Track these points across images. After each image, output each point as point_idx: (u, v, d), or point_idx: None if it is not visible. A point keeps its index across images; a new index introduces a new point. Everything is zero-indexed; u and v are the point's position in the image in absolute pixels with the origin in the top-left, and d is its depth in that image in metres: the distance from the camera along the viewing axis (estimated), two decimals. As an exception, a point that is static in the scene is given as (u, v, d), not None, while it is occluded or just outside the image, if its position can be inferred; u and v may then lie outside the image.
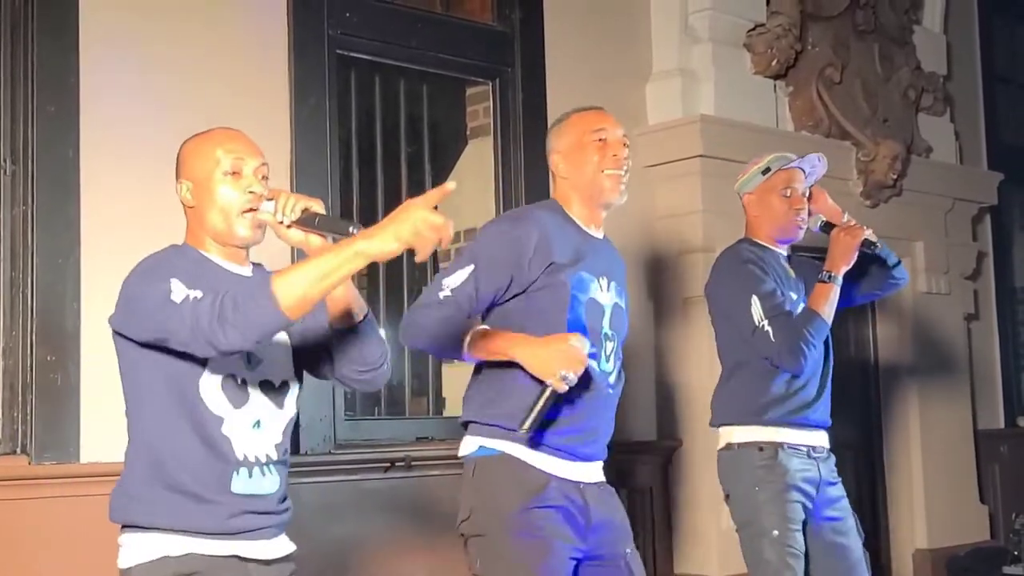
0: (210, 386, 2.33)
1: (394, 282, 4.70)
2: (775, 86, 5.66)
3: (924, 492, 6.11)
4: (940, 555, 6.05)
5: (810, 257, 3.91)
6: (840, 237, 3.61)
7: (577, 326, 2.86)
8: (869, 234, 3.63)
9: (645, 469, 5.07)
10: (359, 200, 4.64)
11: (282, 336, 2.45)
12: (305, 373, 2.53)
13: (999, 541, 6.37)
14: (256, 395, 2.39)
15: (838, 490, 3.67)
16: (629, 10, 5.37)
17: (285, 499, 2.46)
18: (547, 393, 2.69)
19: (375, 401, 4.66)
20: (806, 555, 3.63)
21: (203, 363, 2.31)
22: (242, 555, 2.34)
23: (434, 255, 4.87)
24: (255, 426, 2.37)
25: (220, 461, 2.32)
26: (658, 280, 5.21)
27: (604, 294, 2.95)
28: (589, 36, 5.19)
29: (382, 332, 2.52)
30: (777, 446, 3.57)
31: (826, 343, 3.65)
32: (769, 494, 3.54)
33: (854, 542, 3.65)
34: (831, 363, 3.69)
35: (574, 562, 2.89)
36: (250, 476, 2.35)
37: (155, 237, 3.49)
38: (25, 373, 3.59)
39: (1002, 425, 6.98)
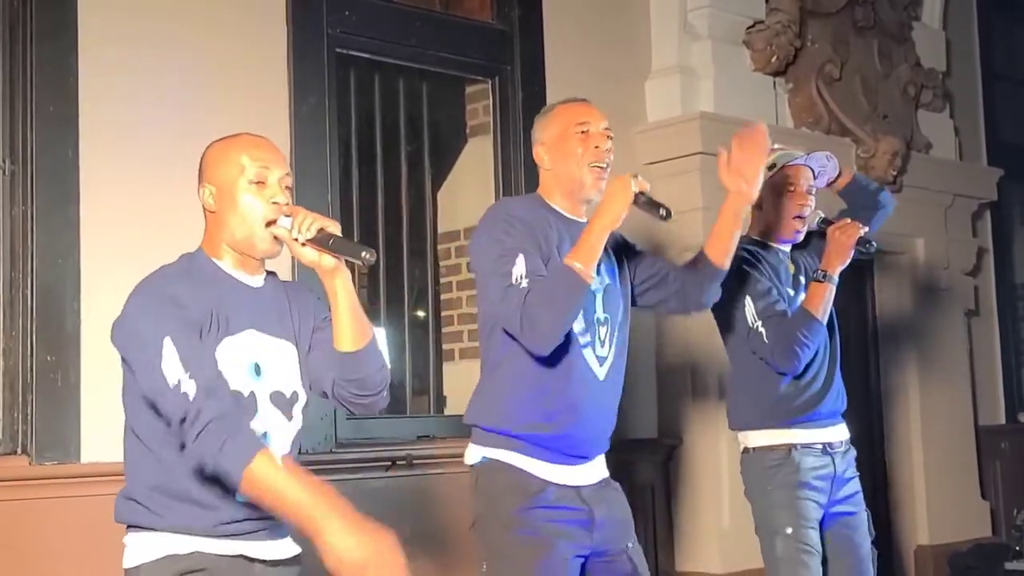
0: None
1: (394, 280, 4.70)
2: (775, 83, 5.66)
3: (925, 488, 6.11)
4: (942, 551, 6.05)
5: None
6: (835, 236, 3.60)
7: None
8: (864, 232, 3.62)
9: (646, 467, 5.06)
10: (359, 198, 4.64)
11: (290, 347, 2.44)
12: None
13: (1001, 537, 6.37)
14: (266, 407, 2.37)
15: (854, 485, 3.67)
16: (628, 8, 5.36)
17: None
18: None
19: (376, 400, 4.65)
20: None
21: None
22: (248, 555, 2.34)
23: (435, 266, 4.88)
24: (264, 438, 2.35)
25: None
26: (658, 278, 5.21)
27: (594, 278, 2.92)
28: (589, 34, 5.19)
29: (384, 351, 2.51)
30: (790, 447, 3.57)
31: (831, 328, 3.64)
32: (782, 492, 3.54)
33: (863, 539, 3.65)
34: (838, 349, 3.68)
35: (580, 560, 2.90)
36: None
37: (155, 237, 3.52)
38: (25, 373, 3.59)
39: (1003, 421, 6.98)
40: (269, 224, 2.35)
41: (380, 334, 2.93)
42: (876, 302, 6.16)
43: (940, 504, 6.15)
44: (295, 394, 2.44)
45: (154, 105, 3.88)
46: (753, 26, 5.54)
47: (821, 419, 3.62)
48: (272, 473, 2.14)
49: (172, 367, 2.18)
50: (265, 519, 2.36)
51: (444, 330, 4.85)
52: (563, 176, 2.99)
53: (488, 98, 4.95)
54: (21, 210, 3.64)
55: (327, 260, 2.34)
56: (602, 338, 2.96)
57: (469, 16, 4.92)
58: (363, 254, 2.30)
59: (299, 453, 2.49)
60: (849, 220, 3.68)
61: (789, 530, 3.51)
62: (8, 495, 3.48)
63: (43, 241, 3.62)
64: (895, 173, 5.93)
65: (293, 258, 2.41)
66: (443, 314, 4.85)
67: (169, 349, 2.19)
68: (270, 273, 2.51)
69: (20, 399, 3.59)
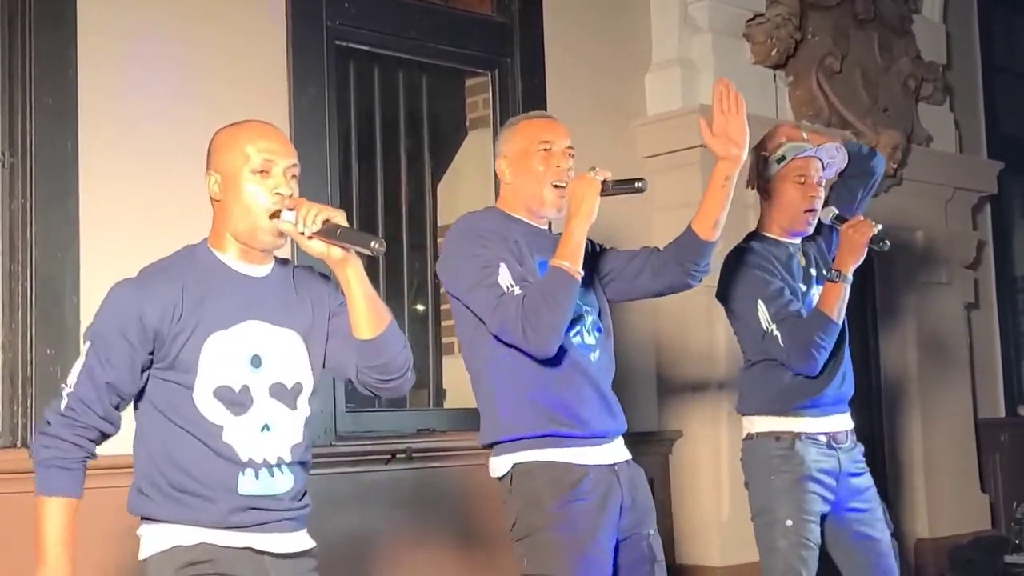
0: (204, 398, 2.32)
1: (394, 274, 4.70)
2: (775, 76, 5.65)
3: (925, 482, 6.11)
4: (942, 544, 6.05)
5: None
6: (849, 234, 3.56)
7: None
8: (878, 229, 3.59)
9: (646, 459, 5.02)
10: (358, 191, 4.64)
11: (295, 336, 2.43)
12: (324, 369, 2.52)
13: (1000, 530, 6.37)
14: (263, 399, 2.36)
15: (864, 480, 3.65)
16: (628, 1, 5.36)
17: (303, 496, 2.44)
18: None
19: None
20: (831, 547, 3.62)
21: (192, 378, 2.31)
22: (256, 547, 2.33)
23: (435, 259, 4.87)
24: (263, 430, 2.35)
25: (226, 464, 2.31)
26: (658, 271, 5.21)
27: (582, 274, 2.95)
28: (589, 26, 5.18)
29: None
30: (795, 436, 3.56)
31: None
32: (784, 484, 3.53)
33: (881, 533, 3.63)
34: (846, 336, 3.68)
35: (613, 551, 2.93)
36: (257, 477, 2.33)
37: (154, 230, 3.52)
38: (25, 367, 3.59)
39: (1003, 414, 6.98)
40: (273, 216, 2.34)
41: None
42: (876, 295, 6.16)
43: (940, 497, 6.15)
44: (298, 384, 2.42)
45: (153, 97, 3.87)
46: (753, 19, 5.53)
47: (827, 405, 3.61)
48: (47, 514, 2.43)
49: (75, 371, 2.36)
50: (273, 511, 2.35)
51: (444, 323, 4.85)
52: (523, 192, 3.02)
53: (488, 91, 4.94)
54: (20, 203, 3.63)
55: (336, 251, 2.32)
56: (588, 328, 3.01)
57: (469, 9, 4.91)
58: (372, 244, 2.28)
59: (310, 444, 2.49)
60: (862, 217, 3.64)
61: (789, 522, 3.50)
62: (8, 488, 3.48)
63: (42, 234, 3.62)
64: (895, 166, 5.93)
65: (293, 244, 2.41)
66: (442, 307, 4.84)
67: (85, 359, 2.34)
68: (280, 260, 2.50)
69: (20, 392, 3.59)
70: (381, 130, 4.77)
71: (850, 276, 3.55)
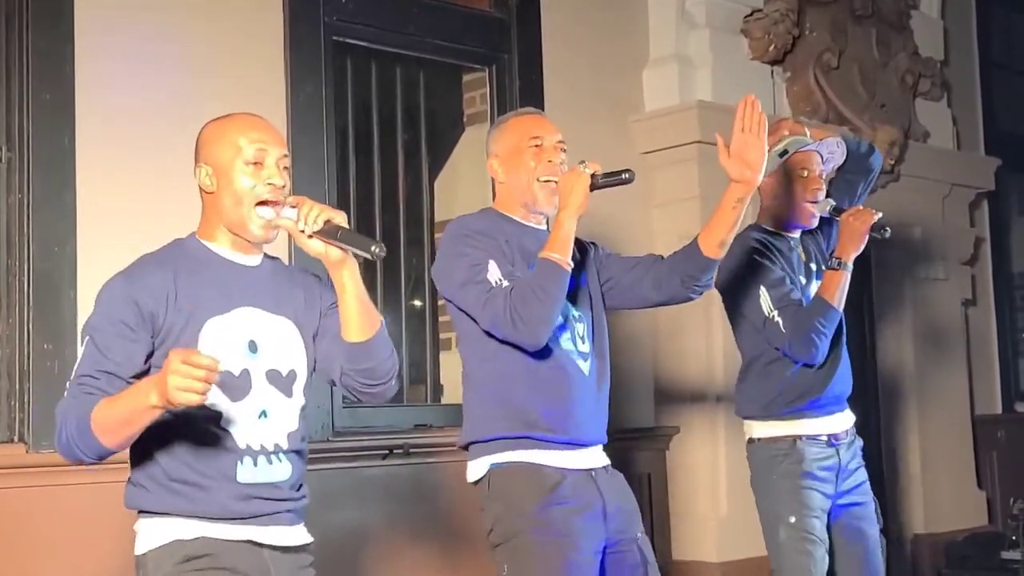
0: None
1: (391, 270, 4.70)
2: (772, 72, 5.65)
3: (922, 478, 6.12)
4: (938, 540, 6.06)
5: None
6: (849, 222, 3.57)
7: None
8: (878, 217, 3.60)
9: (643, 455, 5.07)
10: (356, 187, 4.63)
11: (289, 324, 2.44)
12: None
13: (997, 526, 6.37)
14: (261, 385, 2.37)
15: (861, 475, 3.66)
16: (626, -4, 5.36)
17: (301, 487, 2.44)
18: None
19: (373, 389, 4.65)
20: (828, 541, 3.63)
21: None
22: (256, 540, 2.33)
23: (432, 255, 4.87)
24: (261, 416, 2.36)
25: (222, 452, 2.31)
26: (656, 267, 5.21)
27: (571, 266, 2.93)
28: (586, 22, 5.18)
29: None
30: (795, 438, 3.57)
31: None
32: (786, 482, 3.54)
33: (871, 528, 3.65)
34: (843, 332, 3.68)
35: (599, 555, 2.91)
36: (255, 465, 2.33)
37: (151, 225, 3.51)
38: (22, 361, 3.59)
39: (1000, 411, 6.98)
40: (260, 204, 2.35)
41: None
42: (874, 291, 6.16)
43: (937, 493, 6.16)
44: (292, 372, 2.43)
45: (151, 93, 3.87)
46: (751, 15, 5.53)
47: (826, 405, 3.61)
48: (104, 409, 2.20)
49: (76, 366, 2.31)
50: (273, 500, 2.36)
51: (441, 319, 4.85)
52: (516, 189, 3.02)
53: (485, 86, 4.94)
54: (17, 198, 3.64)
55: (334, 252, 2.33)
56: (580, 335, 2.99)
57: (466, 4, 4.90)
58: (372, 248, 2.28)
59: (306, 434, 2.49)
60: (862, 206, 3.66)
61: (792, 519, 3.52)
62: (5, 483, 3.48)
63: (39, 229, 3.62)
64: (893, 162, 5.93)
65: (290, 243, 2.41)
66: (439, 303, 4.84)
67: (84, 350, 2.31)
68: (269, 255, 2.51)
69: (17, 387, 3.60)
70: (378, 126, 4.77)
71: (851, 264, 3.56)
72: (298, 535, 2.43)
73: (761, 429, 3.63)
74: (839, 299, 3.53)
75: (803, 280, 3.64)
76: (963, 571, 5.83)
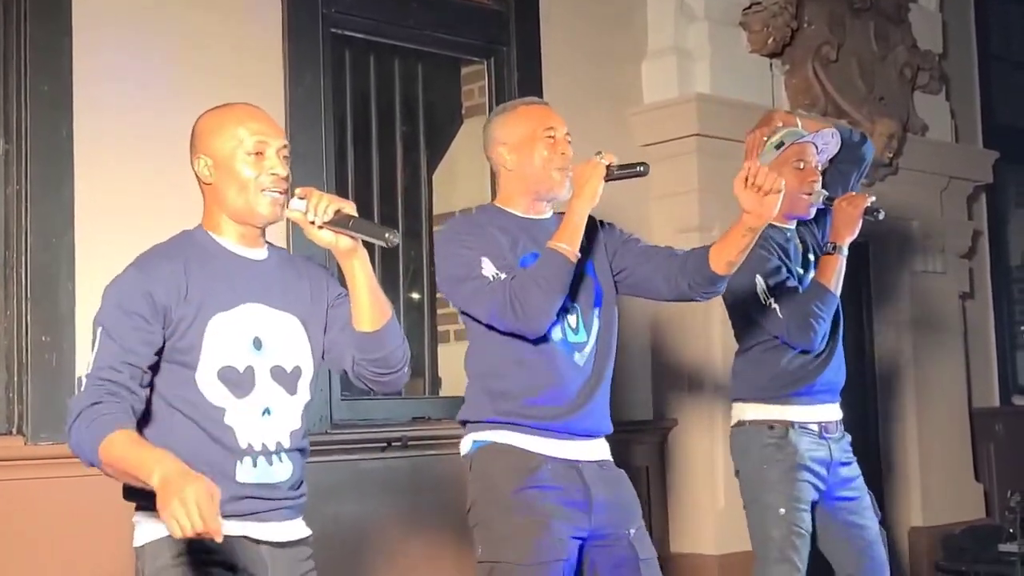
0: (207, 379, 2.31)
1: (389, 262, 4.70)
2: (771, 64, 5.65)
3: (919, 470, 6.12)
4: (935, 533, 6.07)
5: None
6: (842, 207, 3.60)
7: None
8: (871, 201, 3.62)
9: (641, 448, 5.07)
10: (354, 179, 4.63)
11: (294, 321, 2.43)
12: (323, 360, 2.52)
13: (994, 519, 6.38)
14: (265, 382, 2.36)
15: (852, 470, 3.67)
16: (625, -12, 5.35)
17: (300, 485, 2.44)
18: None
19: (371, 381, 4.66)
20: (820, 535, 3.64)
21: (195, 359, 2.30)
22: (251, 536, 2.33)
23: (431, 248, 4.87)
24: (264, 414, 2.35)
25: (223, 451, 2.31)
26: (654, 259, 5.21)
27: (578, 256, 2.94)
28: (585, 15, 5.17)
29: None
30: (788, 425, 3.57)
31: None
32: (777, 473, 3.54)
33: (870, 521, 3.66)
34: (841, 323, 3.69)
35: (578, 542, 2.91)
36: (255, 465, 2.33)
37: (149, 217, 3.51)
38: (20, 354, 3.59)
39: (997, 403, 6.99)
40: (265, 190, 2.35)
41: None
42: (871, 284, 6.17)
43: (934, 486, 6.17)
44: (297, 368, 2.42)
45: (149, 85, 3.87)
46: (750, 7, 5.53)
47: (819, 393, 3.62)
48: (117, 446, 2.14)
49: (91, 359, 2.27)
50: (270, 499, 2.35)
51: (439, 312, 4.85)
52: (529, 176, 3.02)
53: (484, 79, 4.93)
54: (15, 190, 3.63)
55: (344, 242, 2.33)
56: (572, 326, 2.99)
57: (465, -3, 4.90)
58: (386, 235, 2.28)
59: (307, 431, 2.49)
60: (854, 192, 3.68)
61: (782, 511, 3.52)
62: (3, 475, 3.48)
63: (37, 221, 3.62)
64: (891, 155, 5.93)
65: (289, 234, 2.41)
66: (438, 296, 4.84)
67: (100, 342, 2.27)
68: (274, 246, 2.50)
69: (15, 379, 3.60)
70: (377, 118, 4.76)
71: (846, 248, 3.57)
72: (296, 529, 2.43)
73: (752, 411, 3.63)
74: (835, 283, 3.54)
75: (800, 270, 3.65)
76: (960, 563, 5.84)
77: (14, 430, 3.58)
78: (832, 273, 3.54)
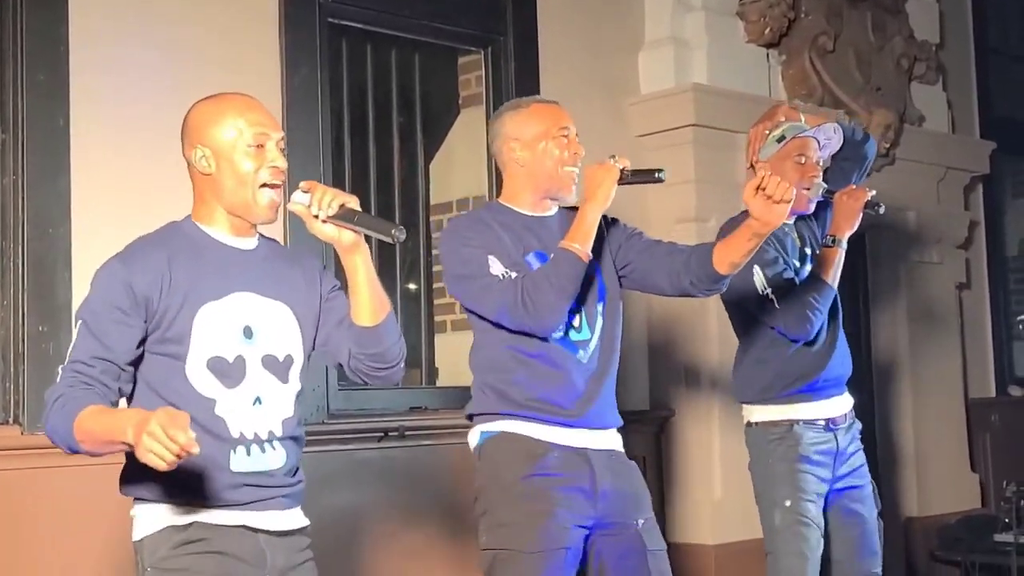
0: (196, 370, 2.31)
1: (386, 253, 4.69)
2: (768, 55, 5.64)
3: (916, 460, 6.13)
4: (931, 523, 6.08)
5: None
6: (843, 201, 3.60)
7: None
8: (872, 195, 3.62)
9: (638, 439, 5.06)
10: (351, 169, 4.63)
11: (286, 309, 2.43)
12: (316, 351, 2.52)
13: (990, 509, 6.39)
14: (256, 371, 2.36)
15: (858, 458, 3.69)
16: (622, -22, 5.34)
17: (296, 472, 2.45)
18: None
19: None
20: (825, 524, 3.64)
21: (185, 349, 2.30)
22: (250, 525, 2.33)
23: (428, 238, 4.87)
24: (255, 403, 2.35)
25: (217, 441, 2.30)
26: (651, 250, 5.21)
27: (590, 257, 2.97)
28: (582, 4, 5.16)
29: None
30: (792, 422, 3.58)
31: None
32: (782, 465, 3.56)
33: (869, 511, 3.67)
34: (840, 314, 3.69)
35: (583, 531, 2.93)
36: (248, 454, 2.33)
37: (145, 207, 3.51)
38: (17, 343, 3.59)
39: (993, 394, 7.00)
40: (264, 186, 2.35)
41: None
42: (868, 275, 6.17)
43: (930, 476, 6.18)
44: (289, 357, 2.42)
45: (145, 75, 3.86)
46: (747, -3, 5.52)
47: (824, 388, 3.62)
48: (89, 419, 2.16)
49: (69, 351, 2.30)
50: (266, 487, 2.35)
51: (436, 302, 4.85)
52: (541, 174, 3.03)
53: (480, 69, 4.93)
54: (11, 180, 3.63)
55: (347, 236, 2.33)
56: (576, 324, 3.01)
57: (462, -14, 4.89)
58: (392, 231, 2.30)
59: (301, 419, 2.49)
60: (854, 186, 3.68)
61: (788, 503, 3.53)
62: (0, 464, 3.48)
63: (34, 211, 3.61)
64: (888, 146, 5.93)
65: (285, 226, 2.41)
66: (435, 286, 4.84)
67: (78, 336, 2.29)
68: (265, 237, 2.50)
69: (12, 369, 3.60)
70: (374, 108, 4.76)
71: (845, 242, 3.57)
72: (294, 519, 2.43)
73: (759, 413, 3.65)
74: (833, 276, 3.55)
75: (798, 264, 3.65)
76: (956, 553, 5.85)
77: (10, 419, 3.58)
78: (831, 266, 3.55)
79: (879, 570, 3.69)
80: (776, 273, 3.53)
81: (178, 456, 1.98)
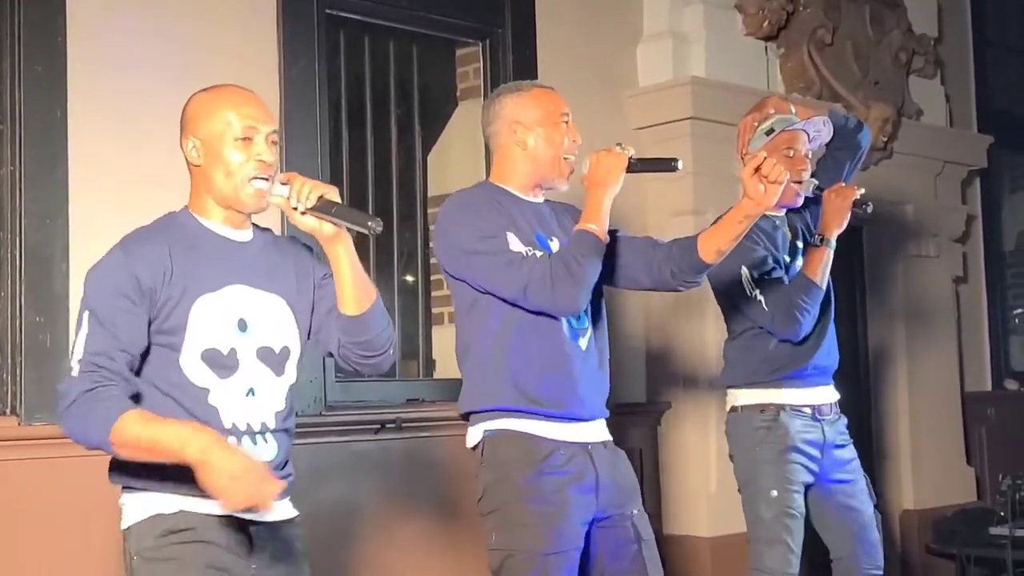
0: (190, 360, 2.32)
1: (384, 245, 4.70)
2: (766, 48, 5.64)
3: (911, 453, 6.14)
4: (927, 516, 6.09)
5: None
6: (831, 199, 3.60)
7: None
8: (860, 194, 3.62)
9: (635, 431, 5.08)
10: (348, 162, 4.63)
11: (280, 302, 2.43)
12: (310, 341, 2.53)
13: (985, 502, 6.41)
14: (250, 362, 2.37)
15: (848, 452, 3.69)
16: (620, -29, 5.34)
17: (286, 465, 2.45)
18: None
19: (365, 363, 4.66)
20: (815, 517, 3.65)
21: (180, 340, 2.31)
22: (238, 516, 2.33)
23: (425, 230, 4.87)
24: (248, 394, 2.36)
25: None
26: (648, 243, 5.21)
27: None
28: (580, -3, 5.16)
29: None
30: (779, 408, 3.58)
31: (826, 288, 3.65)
32: (769, 455, 3.56)
33: (864, 504, 3.68)
34: (831, 306, 3.69)
35: (586, 526, 2.92)
36: (239, 444, 2.33)
37: (143, 198, 3.51)
38: (14, 334, 3.59)
39: (989, 387, 7.01)
40: (254, 179, 2.35)
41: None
42: (865, 268, 6.17)
43: (926, 469, 6.19)
44: (285, 349, 2.43)
45: (143, 66, 3.86)
46: (745, -10, 5.52)
47: (810, 376, 3.63)
48: (133, 425, 2.16)
49: (79, 343, 2.27)
50: None
51: (433, 294, 4.85)
52: (542, 159, 3.02)
53: (479, 61, 4.93)
54: (9, 170, 3.63)
55: (327, 227, 2.33)
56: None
57: (460, -22, 4.89)
58: (369, 223, 2.29)
59: (293, 411, 2.49)
60: (843, 184, 3.68)
61: (774, 493, 3.54)
62: (-3, 456, 3.49)
63: (31, 202, 3.61)
64: (885, 139, 5.93)
65: (283, 216, 2.41)
66: (433, 278, 4.84)
67: (88, 327, 2.27)
68: (260, 228, 2.50)
69: (9, 360, 3.60)
70: (371, 100, 4.75)
71: (833, 241, 3.57)
72: (283, 510, 2.43)
73: (744, 397, 3.65)
74: (821, 276, 3.55)
75: (787, 259, 3.66)
76: (951, 546, 5.86)
77: (8, 410, 3.59)
78: (818, 265, 3.55)
79: (881, 562, 3.69)
80: (763, 273, 3.53)
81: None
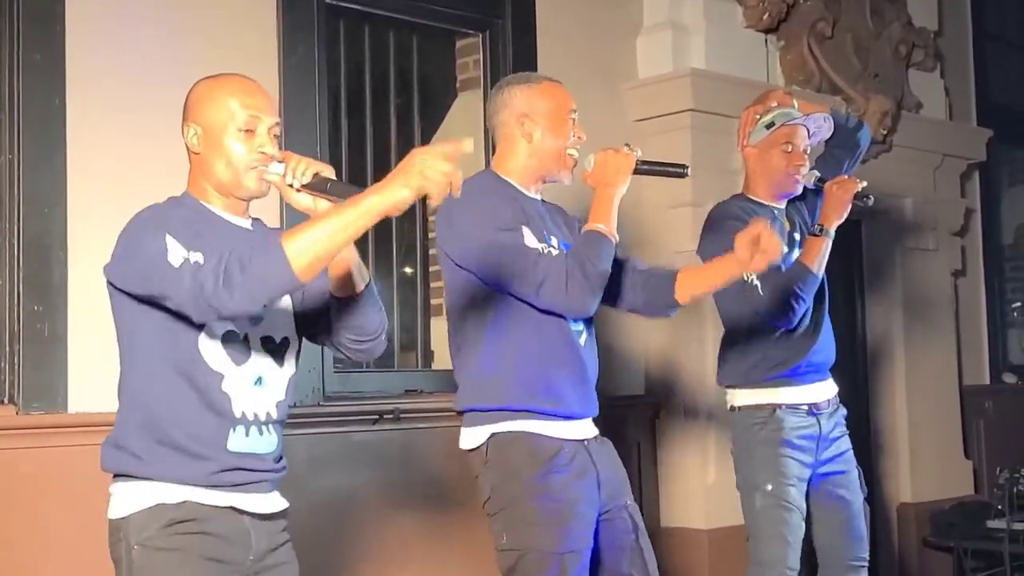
0: (211, 343, 2.31)
1: (382, 236, 4.69)
2: (766, 40, 5.64)
3: (909, 447, 6.15)
4: (924, 509, 6.10)
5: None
6: (832, 191, 3.61)
7: None
8: (861, 186, 3.62)
9: (633, 424, 5.08)
10: (347, 152, 4.62)
11: None
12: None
13: (983, 495, 6.42)
14: (258, 352, 2.37)
15: (843, 443, 3.70)
16: (620, -38, 5.33)
17: (281, 458, 2.45)
18: None
19: (363, 354, 4.66)
20: (808, 510, 3.66)
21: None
22: (238, 507, 2.34)
23: (424, 222, 4.86)
24: (257, 383, 2.36)
25: (217, 418, 2.31)
26: (647, 234, 5.21)
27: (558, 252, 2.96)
28: (580, -12, 5.16)
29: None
30: (775, 406, 3.59)
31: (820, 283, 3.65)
32: (764, 450, 3.57)
33: (854, 495, 3.69)
34: (826, 300, 3.70)
35: (595, 523, 2.93)
36: (247, 435, 2.34)
37: (141, 187, 3.49)
38: (12, 323, 3.58)
39: (987, 381, 7.02)
40: (254, 168, 2.34)
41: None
42: (864, 261, 6.17)
43: (923, 462, 6.19)
44: (285, 340, 2.43)
45: (142, 54, 3.85)
46: (745, -18, 5.51)
47: (807, 373, 3.64)
48: (301, 229, 2.07)
49: (176, 254, 2.16)
50: (256, 471, 2.36)
51: (432, 285, 4.85)
52: (549, 153, 3.01)
53: (478, 52, 4.92)
54: (7, 159, 3.62)
55: (322, 205, 2.32)
56: None
57: (460, -31, 4.88)
58: None
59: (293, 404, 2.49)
60: (845, 176, 3.69)
61: (769, 487, 3.55)
62: (-4, 444, 3.49)
63: (29, 191, 3.60)
64: (885, 132, 5.93)
65: (282, 205, 2.40)
66: (431, 269, 4.84)
67: (172, 244, 2.17)
68: (255, 220, 2.50)
69: (7, 349, 3.59)
70: (371, 90, 4.75)
71: (832, 232, 3.58)
72: (276, 502, 2.44)
73: (743, 397, 3.66)
74: (819, 265, 3.55)
75: (785, 249, 3.65)
76: (948, 539, 5.87)
77: (6, 399, 3.58)
78: (816, 254, 3.55)
79: (866, 555, 3.71)
80: None
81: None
